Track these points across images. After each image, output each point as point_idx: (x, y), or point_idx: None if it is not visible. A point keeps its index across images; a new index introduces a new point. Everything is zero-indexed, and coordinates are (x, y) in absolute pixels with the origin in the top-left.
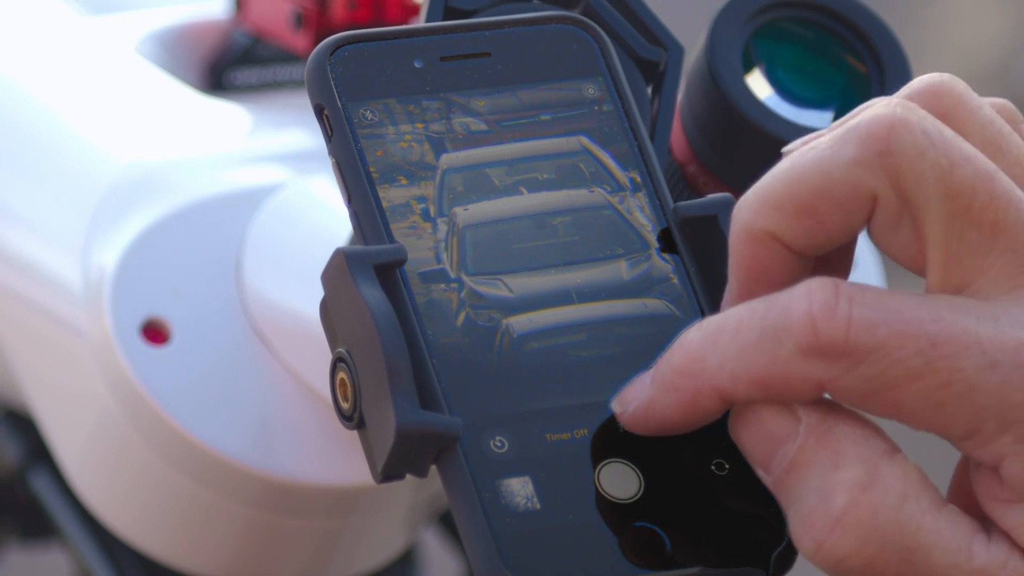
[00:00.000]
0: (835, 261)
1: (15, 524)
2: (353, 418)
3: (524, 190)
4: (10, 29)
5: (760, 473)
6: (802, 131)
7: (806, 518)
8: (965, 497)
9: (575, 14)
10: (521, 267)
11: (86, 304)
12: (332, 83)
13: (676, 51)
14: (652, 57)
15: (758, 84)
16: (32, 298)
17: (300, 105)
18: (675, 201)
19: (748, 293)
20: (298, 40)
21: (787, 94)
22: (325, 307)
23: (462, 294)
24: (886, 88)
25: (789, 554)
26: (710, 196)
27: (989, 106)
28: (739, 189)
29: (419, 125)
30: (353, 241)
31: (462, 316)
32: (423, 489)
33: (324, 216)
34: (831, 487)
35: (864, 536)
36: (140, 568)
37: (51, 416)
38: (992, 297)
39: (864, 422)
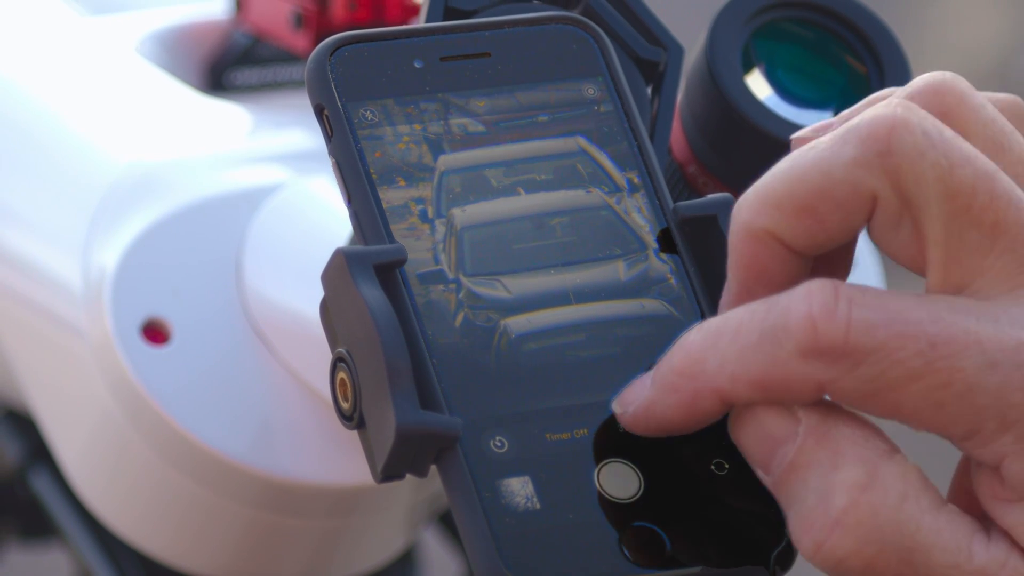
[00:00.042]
0: (835, 261)
1: (15, 524)
2: (353, 418)
3: (522, 191)
4: (10, 29)
5: (760, 474)
6: None
7: (805, 518)
8: (965, 496)
9: (575, 14)
10: (519, 268)
11: (86, 304)
12: (332, 83)
13: (676, 51)
14: (652, 57)
15: (758, 84)
16: (32, 298)
17: (300, 105)
18: (675, 201)
19: (747, 292)
20: (298, 40)
21: (787, 94)
22: (325, 307)
23: (460, 295)
24: (886, 88)
25: (789, 554)
26: (710, 196)
27: (991, 104)
28: (739, 189)
29: (417, 126)
30: (353, 241)
31: (460, 317)
32: (423, 489)
33: (324, 216)
34: (830, 488)
35: (864, 537)
36: (140, 568)
37: (51, 416)
38: (992, 297)
39: (863, 423)
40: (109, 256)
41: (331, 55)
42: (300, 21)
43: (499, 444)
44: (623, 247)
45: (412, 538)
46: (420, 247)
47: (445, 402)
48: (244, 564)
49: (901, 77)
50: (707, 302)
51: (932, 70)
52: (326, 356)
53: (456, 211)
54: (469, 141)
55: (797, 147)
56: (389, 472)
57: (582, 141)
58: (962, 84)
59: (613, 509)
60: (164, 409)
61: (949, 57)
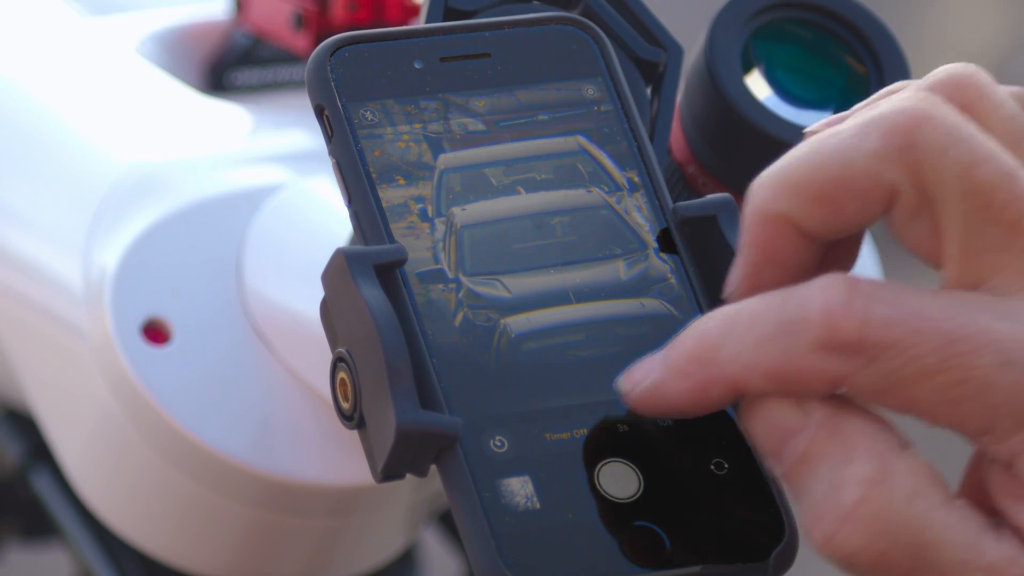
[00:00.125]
0: (843, 249)
1: (16, 523)
2: (353, 418)
3: (522, 190)
4: (11, 30)
5: (770, 465)
6: (801, 132)
7: (816, 511)
8: (977, 492)
9: (574, 15)
10: (519, 267)
11: (87, 304)
12: (332, 84)
13: (675, 52)
14: (651, 58)
15: (757, 85)
16: (33, 298)
17: (300, 106)
18: (674, 201)
19: (757, 275)
20: (298, 41)
21: (786, 95)
22: (325, 307)
23: (460, 294)
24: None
25: (789, 553)
26: (709, 196)
27: (1013, 99)
28: (738, 189)
29: (417, 125)
30: (353, 241)
31: (460, 316)
32: (423, 489)
33: (324, 216)
34: (842, 481)
35: (874, 531)
36: (141, 567)
37: (52, 416)
38: (1009, 294)
39: (875, 417)
40: (110, 256)
41: (331, 55)
42: (300, 22)
43: (499, 444)
44: (623, 246)
45: (412, 538)
46: (420, 246)
47: (445, 402)
48: (244, 564)
49: (900, 77)
50: (707, 302)
51: (931, 70)
52: (326, 356)
53: (456, 210)
54: (469, 140)
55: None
56: (389, 472)
57: (582, 140)
58: (983, 77)
59: (613, 509)
60: (164, 409)
61: (948, 57)
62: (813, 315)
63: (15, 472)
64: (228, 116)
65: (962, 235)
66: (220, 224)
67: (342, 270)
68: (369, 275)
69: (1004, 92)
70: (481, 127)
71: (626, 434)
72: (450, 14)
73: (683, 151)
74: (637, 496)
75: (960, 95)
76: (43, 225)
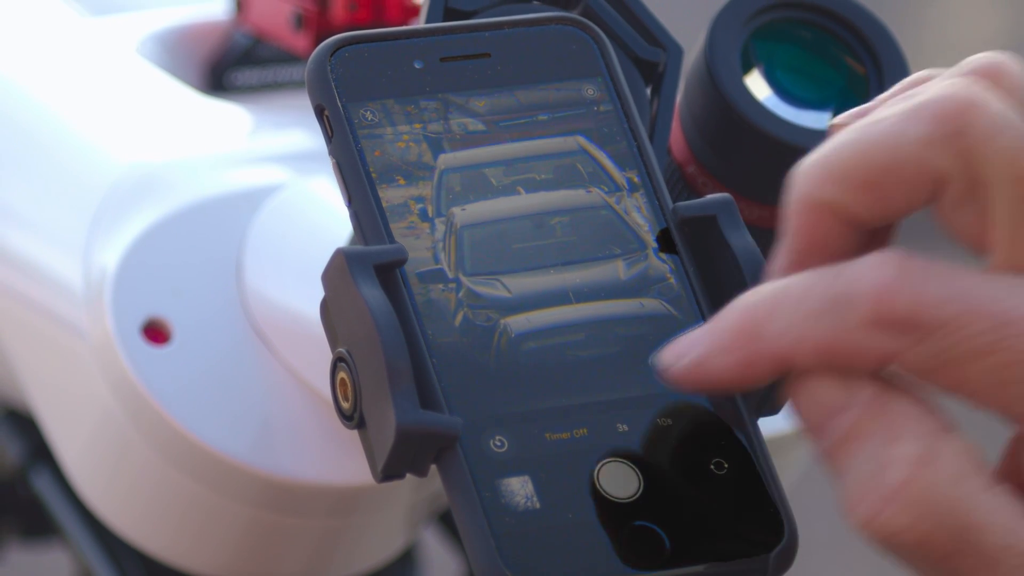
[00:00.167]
0: (879, 237)
1: (16, 523)
2: (353, 418)
3: (522, 190)
4: (11, 30)
5: (812, 442)
6: (801, 132)
7: (859, 490)
8: (1014, 477)
9: (574, 15)
10: (519, 267)
11: (87, 304)
12: (332, 84)
13: (675, 52)
14: (651, 58)
15: (757, 85)
16: (33, 298)
17: (300, 106)
18: (674, 201)
19: (801, 263)
20: (298, 41)
21: (786, 95)
22: (325, 307)
23: (460, 294)
24: (884, 89)
25: (788, 553)
26: (709, 196)
27: None
28: (738, 189)
29: (417, 125)
30: (353, 241)
31: (460, 316)
32: (423, 488)
33: (324, 216)
34: (887, 461)
35: (919, 512)
36: (141, 567)
37: (52, 416)
38: None
39: (921, 398)
40: (110, 256)
41: (331, 56)
42: (300, 22)
43: (499, 443)
44: (623, 246)
45: (412, 537)
46: (420, 246)
47: (445, 402)
48: (245, 563)
49: (900, 77)
50: (706, 302)
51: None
52: (326, 356)
53: (456, 210)
54: (469, 140)
55: (835, 133)
56: (389, 471)
57: (582, 140)
58: (1017, 64)
59: (613, 508)
60: (165, 409)
61: (948, 57)
62: (865, 291)
63: (15, 472)
64: (228, 116)
65: (1011, 220)
66: (220, 224)
67: (342, 270)
68: (369, 275)
69: None
70: (481, 127)
71: (626, 434)
72: (450, 14)
73: (683, 151)
74: (637, 496)
75: (997, 82)
76: (43, 225)
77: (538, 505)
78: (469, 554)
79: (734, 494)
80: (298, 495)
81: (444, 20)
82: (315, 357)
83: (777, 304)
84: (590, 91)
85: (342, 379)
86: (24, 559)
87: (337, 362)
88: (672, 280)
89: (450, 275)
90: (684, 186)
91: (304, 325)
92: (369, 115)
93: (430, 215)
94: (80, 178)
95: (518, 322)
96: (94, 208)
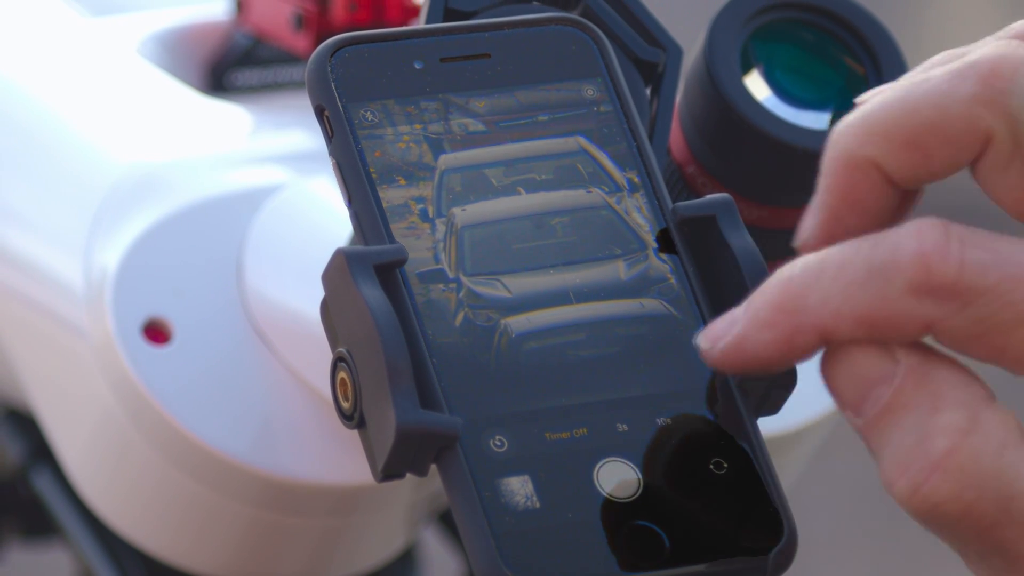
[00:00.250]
0: (907, 200)
1: (17, 523)
2: (353, 417)
3: (522, 190)
4: (12, 30)
5: (848, 416)
6: (800, 132)
7: (901, 461)
8: None
9: (574, 15)
10: (519, 267)
11: (88, 304)
12: (333, 84)
13: (675, 52)
14: (651, 58)
15: (756, 85)
16: (34, 298)
17: (300, 106)
18: (674, 202)
19: (837, 220)
20: (299, 41)
21: (785, 95)
22: (326, 307)
23: (460, 294)
24: None
25: (788, 552)
26: (708, 196)
27: None
28: (738, 190)
29: (418, 126)
30: (353, 241)
31: (460, 316)
32: (423, 488)
33: (324, 217)
34: (931, 430)
35: (964, 482)
36: (142, 566)
37: (53, 415)
38: None
39: (962, 367)
40: (110, 256)
41: (331, 56)
42: (300, 22)
43: (499, 443)
44: (623, 247)
45: (412, 537)
46: (420, 246)
47: (445, 401)
48: (245, 563)
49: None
50: (706, 302)
51: None
52: (327, 356)
53: (456, 210)
54: (469, 141)
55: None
56: (389, 471)
57: (582, 141)
58: None
59: (612, 508)
60: (165, 408)
61: None
62: (907, 258)
63: (16, 471)
64: (229, 116)
65: None
66: (221, 224)
67: (342, 270)
68: (369, 275)
69: None
70: (481, 128)
71: (625, 434)
72: (450, 15)
73: (682, 151)
74: (636, 495)
75: None
76: (44, 225)
77: (538, 505)
78: (469, 554)
79: (734, 494)
80: (298, 495)
81: (444, 20)
82: (315, 357)
83: (816, 276)
84: (590, 92)
85: (342, 379)
86: (25, 559)
87: (337, 362)
88: (672, 280)
89: (450, 275)
90: (684, 186)
91: (304, 325)
92: (369, 115)
93: (431, 215)
94: (81, 178)
95: (518, 322)
96: (95, 208)
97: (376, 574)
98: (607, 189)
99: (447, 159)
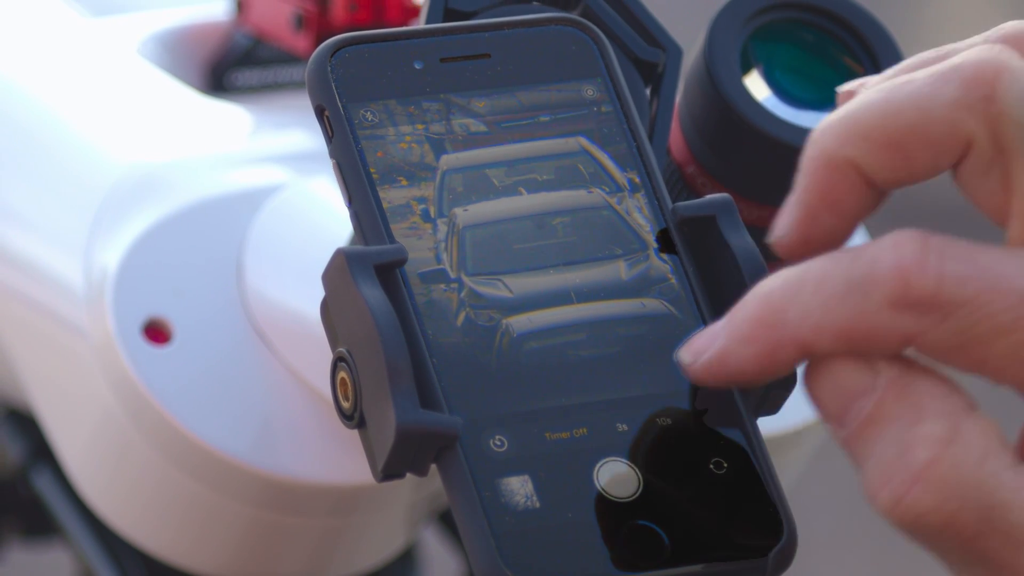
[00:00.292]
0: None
1: (17, 523)
2: (354, 417)
3: (523, 191)
4: (12, 31)
5: (831, 429)
6: (800, 132)
7: (883, 473)
8: None
9: (574, 16)
10: (520, 267)
11: (88, 304)
12: (333, 84)
13: (674, 52)
14: (650, 58)
15: (756, 85)
16: (34, 298)
17: (301, 106)
18: (674, 202)
19: (812, 221)
20: (299, 42)
21: (785, 95)
22: (326, 307)
23: (462, 294)
24: None
25: (787, 552)
26: (708, 196)
27: None
28: (737, 190)
29: (419, 126)
30: (354, 241)
31: (462, 316)
32: (423, 488)
33: (325, 217)
34: (912, 441)
35: (946, 492)
36: (142, 566)
37: (53, 415)
38: None
39: (943, 377)
40: (111, 256)
41: (332, 56)
42: (301, 22)
43: (499, 443)
44: (624, 247)
45: (412, 537)
46: (422, 246)
47: (445, 401)
48: (245, 563)
49: None
50: (706, 302)
51: None
52: (327, 356)
53: (458, 211)
54: (471, 141)
55: (845, 100)
56: (389, 471)
57: (583, 141)
58: None
59: (612, 508)
60: (165, 408)
61: None
62: (885, 272)
63: (16, 471)
64: (229, 117)
65: None
66: (221, 224)
67: (342, 270)
68: (369, 275)
69: None
70: (483, 128)
71: (625, 434)
72: (450, 15)
73: (682, 151)
74: (636, 495)
75: None
76: (44, 225)
77: (538, 504)
78: (469, 554)
79: (733, 494)
80: (298, 494)
81: (444, 20)
82: (315, 357)
83: (796, 290)
84: (590, 92)
85: (342, 379)
86: (25, 558)
87: (337, 362)
88: (673, 280)
89: (452, 275)
90: (684, 186)
91: (304, 325)
92: (369, 115)
93: (432, 216)
94: (81, 178)
95: (520, 322)
96: (95, 208)
97: (376, 574)
98: (608, 189)
99: (448, 159)
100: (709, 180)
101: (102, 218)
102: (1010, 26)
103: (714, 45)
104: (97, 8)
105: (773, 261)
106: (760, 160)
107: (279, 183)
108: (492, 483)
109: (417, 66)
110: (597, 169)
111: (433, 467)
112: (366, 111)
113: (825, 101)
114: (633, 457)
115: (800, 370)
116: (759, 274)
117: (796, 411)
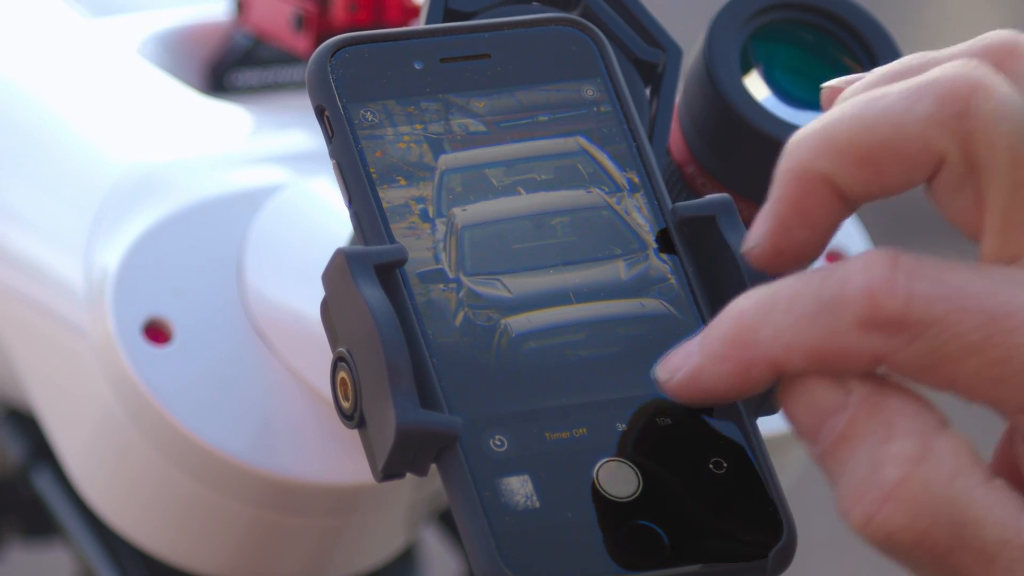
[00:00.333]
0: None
1: (18, 523)
2: (354, 417)
3: (522, 190)
4: (13, 31)
5: (807, 445)
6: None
7: (855, 491)
8: (1008, 470)
9: (574, 16)
10: (519, 267)
11: (88, 304)
12: (333, 84)
13: (674, 52)
14: (650, 59)
15: (756, 85)
16: (35, 298)
17: (301, 106)
18: (673, 202)
19: (784, 233)
20: (299, 42)
21: (785, 95)
22: (326, 307)
23: (460, 294)
24: None
25: (787, 552)
26: (708, 197)
27: None
28: (737, 190)
29: (418, 126)
30: (353, 241)
31: (461, 316)
32: (423, 487)
33: (325, 217)
34: (883, 459)
35: (916, 510)
36: (142, 566)
37: (53, 415)
38: None
39: (914, 395)
40: (111, 256)
41: (332, 56)
42: (301, 23)
43: (499, 443)
44: (623, 247)
45: (412, 537)
46: (421, 246)
47: (445, 401)
48: (245, 562)
49: None
50: (705, 302)
51: None
52: (327, 356)
53: (457, 210)
54: (470, 141)
55: (830, 96)
56: (389, 471)
57: (582, 141)
58: None
59: (612, 508)
60: (166, 408)
61: None
62: (855, 292)
63: (17, 471)
64: (229, 117)
65: (1005, 207)
66: (221, 224)
67: (342, 270)
68: (369, 275)
69: None
70: (482, 128)
71: (625, 433)
72: (450, 15)
73: (682, 152)
74: (636, 495)
75: (1010, 64)
76: (45, 225)
77: (538, 504)
78: (469, 554)
79: (733, 494)
80: (298, 494)
81: (444, 21)
82: (315, 357)
83: (768, 309)
84: (590, 92)
85: (342, 379)
86: (25, 558)
87: (337, 362)
88: (672, 280)
89: (451, 275)
90: (683, 186)
91: (304, 325)
92: (369, 116)
93: (431, 215)
94: (81, 178)
95: (519, 322)
96: (95, 208)
97: (376, 574)
98: (607, 189)
99: (447, 159)
100: (709, 180)
101: (102, 218)
102: (993, 36)
103: (714, 45)
104: (97, 8)
105: None
106: (760, 160)
107: (279, 183)
108: (492, 483)
109: (417, 66)
110: (596, 169)
111: (433, 467)
112: (366, 111)
113: None
114: (633, 457)
115: None
116: (758, 274)
117: None
